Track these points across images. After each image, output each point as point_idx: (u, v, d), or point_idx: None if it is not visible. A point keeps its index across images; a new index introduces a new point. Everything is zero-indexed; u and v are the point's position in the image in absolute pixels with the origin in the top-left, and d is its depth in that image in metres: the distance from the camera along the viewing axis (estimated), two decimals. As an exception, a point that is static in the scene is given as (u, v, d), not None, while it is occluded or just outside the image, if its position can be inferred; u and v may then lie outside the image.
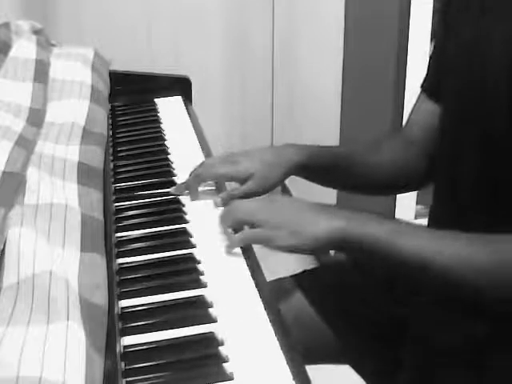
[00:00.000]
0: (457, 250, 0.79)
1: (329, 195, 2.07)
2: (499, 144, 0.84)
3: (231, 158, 1.01)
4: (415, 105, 1.07)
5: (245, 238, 0.88)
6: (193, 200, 1.01)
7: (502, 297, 0.79)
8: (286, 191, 2.60)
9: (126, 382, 0.67)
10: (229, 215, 0.90)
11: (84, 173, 0.93)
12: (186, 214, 0.98)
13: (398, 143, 1.07)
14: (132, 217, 0.98)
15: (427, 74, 1.05)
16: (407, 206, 2.11)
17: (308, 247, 0.84)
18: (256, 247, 0.91)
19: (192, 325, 0.75)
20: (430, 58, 1.05)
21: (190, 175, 1.02)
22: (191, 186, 1.02)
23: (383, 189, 1.14)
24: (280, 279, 1.07)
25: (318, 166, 1.03)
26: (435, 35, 1.00)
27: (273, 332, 0.74)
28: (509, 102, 0.81)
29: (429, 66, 1.05)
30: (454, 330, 0.91)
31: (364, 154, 1.08)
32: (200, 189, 1.03)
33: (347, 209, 0.87)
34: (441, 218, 0.99)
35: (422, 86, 1.05)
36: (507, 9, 0.83)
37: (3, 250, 0.72)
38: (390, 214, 2.10)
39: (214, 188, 1.04)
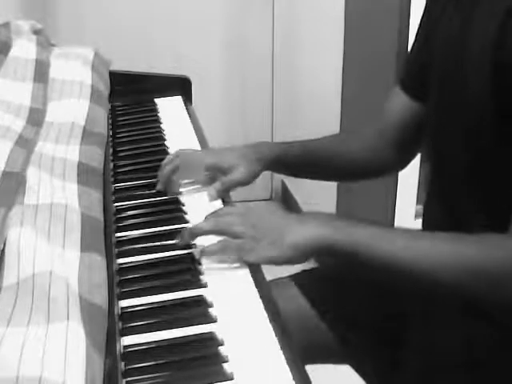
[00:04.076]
0: (443, 250, 0.79)
1: (329, 193, 2.08)
2: (485, 143, 0.84)
3: (217, 152, 1.10)
4: (389, 96, 1.10)
5: (218, 249, 0.85)
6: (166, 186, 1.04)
7: (490, 295, 0.78)
8: (287, 193, 2.61)
9: (126, 382, 0.67)
10: (210, 223, 0.88)
11: (84, 173, 0.93)
12: (185, 213, 0.98)
13: (371, 132, 1.14)
14: (132, 217, 0.98)
15: (405, 69, 1.07)
16: (407, 205, 2.11)
17: (286, 257, 0.82)
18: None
19: (192, 325, 0.75)
20: (410, 53, 1.07)
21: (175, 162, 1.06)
22: (172, 172, 1.05)
23: (356, 175, 1.21)
24: (279, 279, 1.07)
25: (289, 161, 1.11)
26: (417, 32, 1.03)
27: (273, 332, 0.74)
28: (492, 103, 0.81)
29: (408, 61, 1.07)
30: (454, 331, 0.91)
31: (337, 145, 1.16)
32: (192, 187, 1.06)
33: (324, 215, 0.89)
34: (433, 216, 1.00)
35: (400, 80, 1.08)
36: (489, 4, 0.82)
37: (3, 249, 0.72)
38: (390, 214, 2.10)
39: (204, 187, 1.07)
